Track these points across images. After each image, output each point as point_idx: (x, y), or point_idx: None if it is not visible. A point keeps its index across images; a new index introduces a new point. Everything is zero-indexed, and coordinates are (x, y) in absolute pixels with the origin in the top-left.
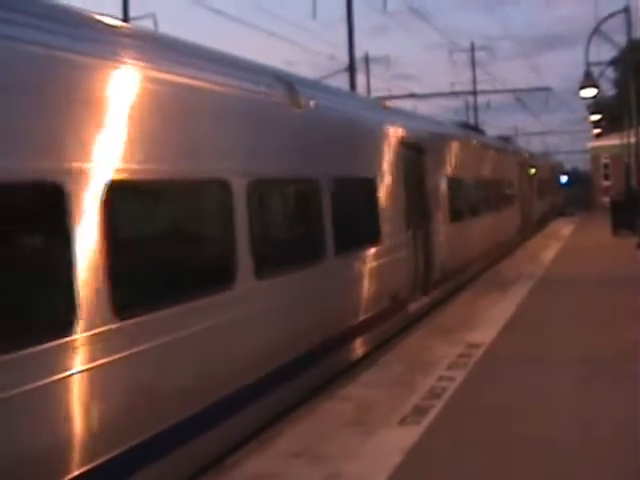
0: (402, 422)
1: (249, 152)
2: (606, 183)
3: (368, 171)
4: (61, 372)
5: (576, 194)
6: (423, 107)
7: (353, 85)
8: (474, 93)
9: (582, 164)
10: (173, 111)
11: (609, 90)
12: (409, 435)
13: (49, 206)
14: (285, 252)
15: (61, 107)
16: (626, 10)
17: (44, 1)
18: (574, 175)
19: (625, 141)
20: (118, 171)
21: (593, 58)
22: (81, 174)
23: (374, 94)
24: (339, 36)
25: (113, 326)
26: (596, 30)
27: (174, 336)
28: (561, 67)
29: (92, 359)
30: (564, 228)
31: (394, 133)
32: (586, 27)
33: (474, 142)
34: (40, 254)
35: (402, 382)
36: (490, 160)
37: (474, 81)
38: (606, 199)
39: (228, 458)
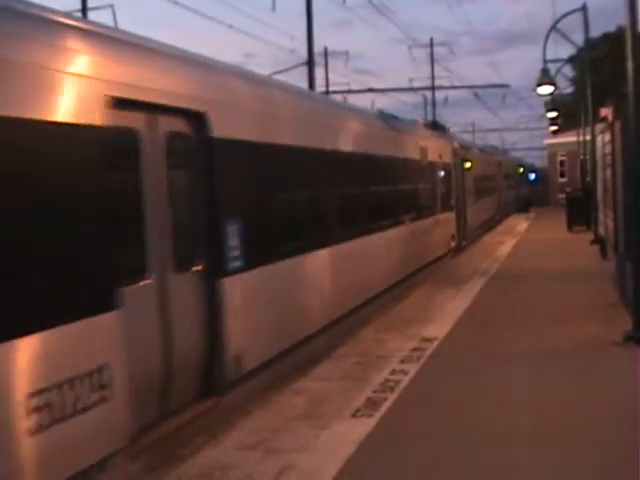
0: (355, 415)
1: None
2: (562, 180)
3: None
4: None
5: (533, 190)
6: (381, 102)
7: (312, 79)
8: (432, 89)
9: (539, 161)
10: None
11: (566, 88)
12: (362, 428)
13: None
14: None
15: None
16: (584, 8)
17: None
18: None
19: (581, 138)
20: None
21: (551, 56)
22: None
23: (333, 88)
24: (301, 30)
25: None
26: (553, 28)
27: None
28: (520, 64)
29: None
30: (520, 224)
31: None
32: (545, 24)
33: (503, 157)
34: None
35: (356, 375)
36: (504, 164)
37: (432, 77)
38: (562, 196)
39: (182, 449)
